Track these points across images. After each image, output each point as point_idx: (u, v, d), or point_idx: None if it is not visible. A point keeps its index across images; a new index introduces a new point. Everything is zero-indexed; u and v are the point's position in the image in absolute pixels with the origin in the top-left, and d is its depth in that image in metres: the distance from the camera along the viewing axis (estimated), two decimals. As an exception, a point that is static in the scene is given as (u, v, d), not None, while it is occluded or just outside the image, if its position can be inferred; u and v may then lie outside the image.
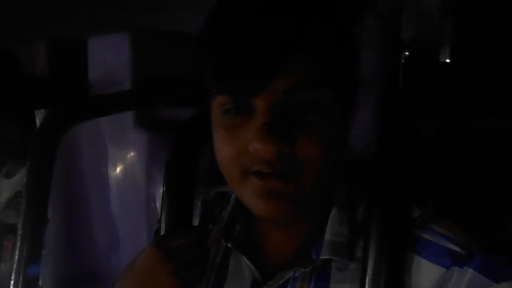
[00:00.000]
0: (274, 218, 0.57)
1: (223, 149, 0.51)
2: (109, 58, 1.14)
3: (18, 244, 0.97)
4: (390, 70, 0.87)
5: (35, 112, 1.31)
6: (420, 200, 0.56)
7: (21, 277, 0.97)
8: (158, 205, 0.95)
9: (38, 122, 1.26)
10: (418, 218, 0.53)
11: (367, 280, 0.51)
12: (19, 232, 0.97)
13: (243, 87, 0.47)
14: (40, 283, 1.26)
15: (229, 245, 0.62)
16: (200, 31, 0.52)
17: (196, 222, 0.71)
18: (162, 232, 0.67)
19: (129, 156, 1.09)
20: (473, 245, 0.49)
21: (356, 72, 0.53)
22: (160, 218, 0.68)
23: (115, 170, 1.13)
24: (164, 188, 0.66)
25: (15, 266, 0.97)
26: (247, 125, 0.49)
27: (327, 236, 0.56)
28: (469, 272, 0.47)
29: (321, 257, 0.55)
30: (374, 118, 0.79)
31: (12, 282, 0.97)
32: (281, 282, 0.57)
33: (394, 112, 0.75)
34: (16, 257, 0.96)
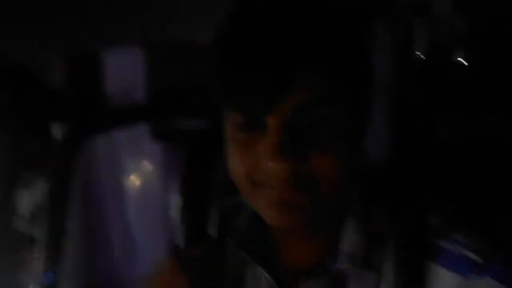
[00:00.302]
0: (289, 229, 0.57)
1: (236, 163, 0.52)
2: (124, 71, 1.16)
3: (38, 254, 0.98)
4: (403, 78, 0.87)
5: (51, 125, 1.34)
6: (437, 208, 0.55)
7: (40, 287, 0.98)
8: (175, 214, 0.95)
9: (54, 134, 1.28)
10: (436, 226, 0.53)
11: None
12: (39, 242, 0.99)
13: (255, 104, 0.48)
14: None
15: (246, 256, 0.63)
16: (211, 48, 0.52)
17: (213, 233, 0.72)
18: (180, 243, 0.67)
19: (145, 167, 1.10)
20: (492, 254, 0.49)
21: (369, 87, 0.53)
22: (177, 230, 0.69)
23: (132, 180, 1.14)
24: (180, 200, 0.67)
25: (34, 276, 0.99)
26: (259, 142, 0.49)
27: (344, 246, 0.56)
28: (487, 281, 0.47)
29: (338, 267, 0.55)
30: (388, 125, 0.79)
31: (31, 292, 0.99)
32: None
33: (408, 118, 0.75)
34: (35, 267, 0.98)
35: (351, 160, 0.51)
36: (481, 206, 0.74)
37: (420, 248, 0.52)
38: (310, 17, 0.48)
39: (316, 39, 0.47)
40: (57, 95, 1.58)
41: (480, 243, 0.51)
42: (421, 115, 0.79)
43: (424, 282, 0.50)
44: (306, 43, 0.47)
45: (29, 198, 1.42)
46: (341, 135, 0.49)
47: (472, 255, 0.49)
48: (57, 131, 1.26)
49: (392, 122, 0.74)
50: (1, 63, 1.71)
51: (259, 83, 0.46)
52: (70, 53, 1.51)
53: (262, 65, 0.46)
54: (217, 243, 0.68)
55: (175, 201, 0.93)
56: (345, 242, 0.55)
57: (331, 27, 0.49)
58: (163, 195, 1.04)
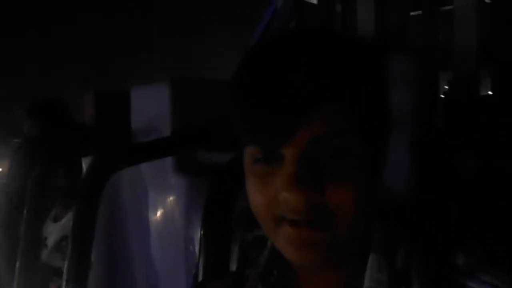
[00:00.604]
0: (304, 266, 0.57)
1: (255, 197, 0.52)
2: (150, 107, 1.20)
3: (64, 285, 1.00)
4: (425, 110, 0.86)
5: (82, 159, 1.38)
6: (465, 246, 0.54)
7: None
8: (197, 248, 0.96)
9: (84, 168, 1.32)
10: (463, 265, 0.51)
11: None
12: (64, 275, 1.00)
13: (271, 137, 0.48)
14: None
15: None
16: (230, 82, 0.54)
17: (233, 266, 0.72)
18: (200, 278, 0.68)
19: (168, 200, 1.12)
20: None
21: (385, 120, 0.53)
22: (198, 263, 0.70)
23: (155, 213, 1.16)
24: (202, 233, 0.68)
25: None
26: (277, 174, 0.49)
27: (367, 283, 0.54)
28: None
29: None
30: (411, 159, 0.78)
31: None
32: None
33: (432, 152, 0.75)
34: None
35: (368, 192, 0.50)
36: (509, 246, 0.72)
37: (446, 287, 0.50)
38: (326, 53, 0.49)
39: (332, 74, 0.47)
40: (87, 129, 1.64)
41: (508, 284, 0.48)
42: (446, 151, 0.78)
43: None
44: (322, 78, 0.47)
45: (57, 231, 1.45)
46: (358, 167, 0.48)
47: None
48: (85, 164, 1.30)
49: (417, 157, 0.73)
50: (34, 98, 1.80)
51: (275, 116, 0.47)
52: (98, 89, 1.58)
53: (278, 99, 0.47)
54: (237, 277, 0.68)
55: (197, 234, 0.94)
56: (367, 279, 0.54)
57: (348, 63, 0.49)
58: (186, 229, 1.05)
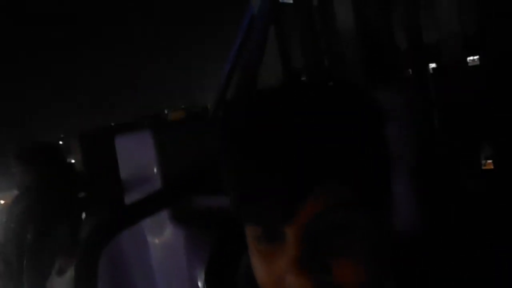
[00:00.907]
0: None
1: (261, 273, 0.50)
2: (136, 155, 1.17)
3: None
4: (427, 157, 0.83)
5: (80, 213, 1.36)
6: None
7: None
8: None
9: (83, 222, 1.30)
10: None
11: None
12: None
13: (271, 218, 0.46)
14: None
15: None
16: (220, 159, 0.51)
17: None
18: None
19: (169, 254, 1.10)
20: None
21: (388, 186, 0.51)
22: None
23: (158, 267, 1.14)
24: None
25: None
26: (280, 253, 0.47)
27: None
28: None
29: None
30: (410, 196, 0.75)
31: None
32: None
33: (436, 175, 0.72)
34: None
35: (377, 260, 0.48)
36: None
37: None
38: (320, 125, 0.47)
39: (330, 151, 0.45)
40: (77, 172, 1.61)
41: None
42: (450, 193, 0.76)
43: None
44: (321, 155, 0.45)
45: (62, 285, 1.44)
46: (363, 238, 0.47)
47: None
48: (85, 220, 1.27)
49: (419, 189, 0.71)
50: (30, 144, 1.72)
51: (273, 195, 0.45)
52: (82, 132, 1.54)
53: (276, 179, 0.45)
54: None
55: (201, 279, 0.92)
56: None
57: (346, 137, 0.47)
58: (188, 283, 1.03)
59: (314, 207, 0.45)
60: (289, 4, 1.93)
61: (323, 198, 0.45)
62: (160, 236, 1.10)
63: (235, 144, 0.49)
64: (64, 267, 1.46)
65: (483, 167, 1.24)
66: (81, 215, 1.39)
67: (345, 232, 0.46)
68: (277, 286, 0.49)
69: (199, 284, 1.03)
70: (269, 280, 0.49)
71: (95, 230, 0.96)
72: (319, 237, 0.46)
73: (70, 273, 1.40)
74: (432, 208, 0.61)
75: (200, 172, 1.07)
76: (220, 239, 0.77)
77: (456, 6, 1.53)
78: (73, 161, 1.60)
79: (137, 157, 1.16)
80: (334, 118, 0.47)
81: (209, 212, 1.04)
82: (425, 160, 0.80)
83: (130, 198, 1.16)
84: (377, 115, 0.51)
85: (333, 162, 0.45)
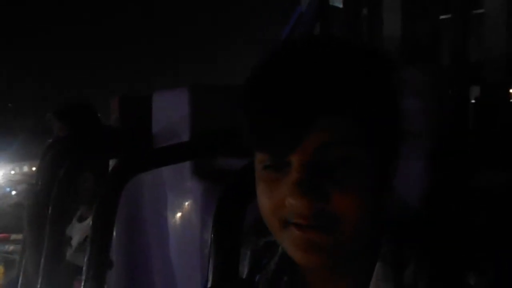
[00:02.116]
0: (317, 270, 0.57)
1: (264, 201, 0.53)
2: (171, 111, 1.22)
3: (83, 284, 1.03)
4: (444, 120, 0.84)
5: (109, 162, 1.42)
6: (478, 266, 0.52)
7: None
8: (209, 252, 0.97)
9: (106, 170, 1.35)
10: (475, 286, 0.50)
11: None
12: (83, 274, 1.03)
13: (278, 146, 0.49)
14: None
15: None
16: (240, 93, 0.54)
17: (244, 271, 0.72)
18: (210, 283, 0.68)
19: (186, 203, 1.14)
20: None
21: (392, 127, 0.52)
22: (208, 268, 0.70)
23: (173, 216, 1.18)
24: (212, 237, 0.68)
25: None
26: (284, 180, 0.50)
27: None
28: None
29: None
30: (423, 171, 0.76)
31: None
32: None
33: (448, 165, 0.73)
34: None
35: (375, 201, 0.50)
36: None
37: None
38: (333, 64, 0.49)
39: (338, 85, 0.48)
40: (112, 132, 1.69)
41: None
42: (460, 163, 0.76)
43: None
44: (329, 88, 0.47)
45: (81, 231, 1.50)
46: (364, 176, 0.49)
47: None
48: (108, 167, 1.33)
49: (431, 168, 0.72)
50: (66, 102, 1.87)
51: (283, 125, 0.48)
52: (123, 94, 1.62)
53: (286, 109, 0.48)
54: (247, 282, 0.68)
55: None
56: (372, 287, 0.53)
57: (354, 74, 0.49)
58: (201, 232, 1.06)
59: (320, 138, 0.48)
60: (339, 8, 1.97)
61: (328, 132, 0.48)
62: (180, 189, 1.13)
63: (253, 78, 0.52)
64: (85, 214, 1.52)
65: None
66: (107, 166, 1.45)
67: (346, 167, 0.48)
68: (277, 213, 0.51)
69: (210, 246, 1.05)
70: (270, 206, 0.52)
71: (118, 166, 1.00)
72: (322, 168, 0.48)
73: (88, 221, 1.45)
74: (437, 190, 0.62)
75: (228, 134, 1.10)
76: (230, 185, 0.79)
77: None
78: (111, 121, 1.69)
79: (171, 113, 1.21)
80: (343, 55, 0.50)
81: (230, 172, 1.06)
82: (441, 142, 0.80)
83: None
84: (386, 60, 0.53)
85: (341, 96, 0.48)
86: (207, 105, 1.17)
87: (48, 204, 1.36)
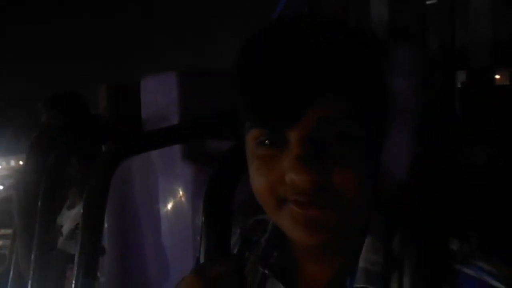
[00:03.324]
0: (312, 247, 0.57)
1: (258, 180, 0.52)
2: (159, 96, 1.22)
3: (75, 272, 1.02)
4: (429, 98, 0.85)
5: (94, 148, 1.42)
6: (461, 233, 0.52)
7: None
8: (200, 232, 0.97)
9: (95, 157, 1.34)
10: (459, 252, 0.51)
11: None
12: (76, 261, 1.03)
13: (277, 119, 0.48)
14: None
15: (266, 271, 0.62)
16: (233, 64, 0.53)
17: (235, 248, 0.72)
18: (202, 260, 0.68)
19: (177, 188, 1.14)
20: None
21: (391, 104, 0.53)
22: (200, 245, 0.70)
23: (165, 201, 1.18)
24: (203, 216, 0.69)
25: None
26: (282, 157, 0.49)
27: (362, 264, 0.54)
28: None
29: (355, 285, 0.53)
30: (413, 147, 0.77)
31: (69, 308, 1.02)
32: None
33: (433, 140, 0.74)
34: (73, 284, 1.02)
35: (372, 176, 0.51)
36: (507, 234, 0.71)
37: (439, 273, 0.49)
38: (330, 36, 0.49)
39: (338, 58, 0.48)
40: (100, 120, 1.68)
41: (504, 271, 0.48)
42: (447, 139, 0.78)
43: None
44: (329, 61, 0.47)
45: (71, 219, 1.49)
46: (362, 151, 0.49)
47: (497, 284, 0.46)
48: (97, 153, 1.32)
49: (418, 143, 0.73)
50: (54, 90, 1.86)
51: (281, 97, 0.47)
52: (111, 82, 1.62)
53: (286, 81, 0.47)
54: (238, 258, 0.68)
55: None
56: (362, 259, 0.54)
57: (352, 50, 0.49)
58: (193, 216, 1.06)
59: (319, 114, 0.47)
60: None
61: (328, 107, 0.48)
62: (170, 174, 1.14)
63: (250, 49, 0.52)
64: (75, 202, 1.51)
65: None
66: (97, 154, 1.44)
67: (345, 142, 0.49)
68: (274, 191, 0.51)
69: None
70: (267, 185, 0.51)
71: (107, 151, 1.00)
72: (321, 143, 0.48)
73: (78, 208, 1.45)
74: (423, 164, 0.64)
75: (218, 117, 1.10)
76: (220, 164, 0.79)
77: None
78: (100, 109, 1.68)
79: (160, 98, 1.20)
80: (342, 31, 0.50)
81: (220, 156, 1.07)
82: (428, 118, 0.82)
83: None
84: (380, 42, 0.53)
85: (342, 71, 0.48)
86: (196, 89, 1.16)
87: (38, 193, 1.35)
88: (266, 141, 0.51)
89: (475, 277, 0.48)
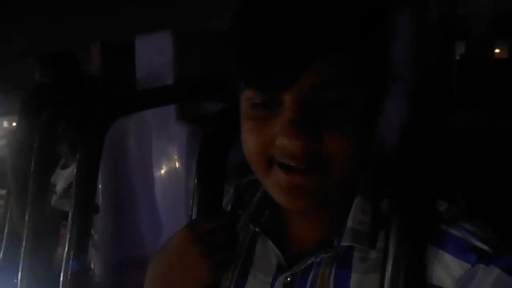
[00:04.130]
0: (296, 211, 0.58)
1: (249, 140, 0.52)
2: (154, 55, 1.20)
3: (69, 229, 1.04)
4: (423, 66, 0.85)
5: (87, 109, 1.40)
6: (448, 195, 0.53)
7: (71, 262, 1.03)
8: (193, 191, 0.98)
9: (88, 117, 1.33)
10: (445, 213, 0.52)
11: (387, 271, 0.50)
12: (69, 219, 1.04)
13: (271, 81, 0.48)
14: (92, 266, 1.34)
15: (257, 230, 0.63)
16: (229, 26, 0.52)
17: (228, 207, 0.73)
18: (194, 216, 0.69)
19: (171, 149, 1.14)
20: (502, 245, 0.47)
21: (385, 71, 0.52)
22: (192, 202, 0.71)
23: (159, 162, 1.18)
24: (196, 177, 0.69)
25: (66, 250, 1.04)
26: (275, 119, 0.49)
27: (350, 224, 0.55)
28: (496, 271, 0.45)
29: (342, 244, 0.55)
30: (402, 113, 0.78)
31: (63, 265, 1.04)
32: (303, 267, 0.57)
33: (422, 105, 0.74)
34: (67, 242, 1.03)
35: (363, 142, 0.51)
36: (491, 196, 0.72)
37: (425, 232, 0.51)
38: (330, 1, 0.48)
39: (335, 22, 0.47)
40: (94, 80, 1.66)
41: (489, 233, 0.49)
42: (438, 104, 0.78)
43: (428, 266, 0.49)
44: (326, 26, 0.46)
45: (65, 178, 1.49)
46: (356, 117, 0.49)
47: (480, 244, 0.47)
48: (89, 112, 1.31)
49: (409, 109, 0.74)
50: (46, 50, 1.83)
51: (276, 59, 0.47)
52: (105, 41, 1.58)
53: (279, 43, 0.46)
54: (229, 216, 0.69)
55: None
56: (351, 219, 0.55)
57: (351, 12, 0.48)
58: (187, 175, 1.07)
59: (314, 78, 0.47)
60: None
61: (324, 71, 0.47)
62: (164, 134, 1.13)
63: (246, 9, 0.50)
64: (69, 161, 1.51)
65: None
66: (90, 115, 1.43)
67: (339, 108, 0.48)
68: (264, 152, 0.51)
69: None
70: (257, 145, 0.51)
71: (101, 109, 0.99)
72: (315, 107, 0.48)
73: (72, 167, 1.45)
74: (414, 129, 0.63)
75: (213, 78, 1.09)
76: (213, 128, 0.78)
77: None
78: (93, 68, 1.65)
79: (155, 57, 1.18)
80: None
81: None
82: (423, 86, 0.81)
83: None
84: (380, 6, 0.52)
85: (339, 36, 0.47)
86: (192, 50, 1.14)
87: (31, 152, 1.35)
88: (260, 102, 0.50)
89: (460, 237, 0.49)
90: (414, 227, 0.51)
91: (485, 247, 0.47)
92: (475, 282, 0.46)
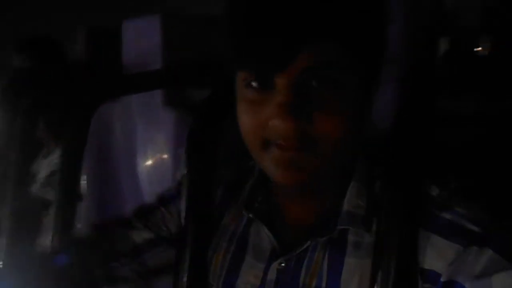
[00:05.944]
0: (293, 189, 0.58)
1: (245, 121, 0.53)
2: (141, 40, 1.17)
3: (53, 218, 1.01)
4: (415, 49, 0.85)
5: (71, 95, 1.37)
6: (441, 179, 0.54)
7: (55, 251, 1.01)
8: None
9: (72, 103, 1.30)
10: (437, 197, 0.52)
11: (379, 255, 0.51)
12: (53, 207, 1.01)
13: (264, 63, 0.48)
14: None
15: (250, 215, 0.63)
16: (224, 8, 0.52)
17: (221, 192, 0.72)
18: (187, 211, 0.68)
19: (157, 136, 1.12)
20: (494, 227, 0.48)
21: (378, 53, 0.53)
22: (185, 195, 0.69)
23: (145, 150, 1.16)
24: (186, 158, 0.67)
25: (49, 240, 1.01)
26: (268, 101, 0.50)
27: (345, 207, 0.56)
28: (488, 253, 0.46)
29: (338, 227, 0.55)
30: (396, 96, 0.78)
31: (47, 254, 1.01)
32: (298, 252, 0.57)
33: (415, 89, 0.74)
34: (52, 230, 1.01)
35: (356, 123, 0.51)
36: (482, 178, 0.73)
37: (417, 216, 0.51)
38: None
39: (328, 6, 0.47)
40: (79, 66, 1.62)
41: (480, 215, 0.50)
42: (431, 88, 0.78)
43: (421, 250, 0.50)
44: (319, 9, 0.47)
45: (47, 166, 1.46)
46: (348, 99, 0.50)
47: (472, 226, 0.48)
48: (73, 97, 1.28)
49: (402, 92, 0.74)
50: (27, 34, 1.78)
51: (269, 42, 0.47)
52: (91, 25, 1.55)
53: (274, 26, 0.47)
54: (222, 202, 0.69)
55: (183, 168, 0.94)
56: (347, 203, 0.56)
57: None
58: (174, 163, 1.05)
59: (306, 60, 0.47)
60: None
61: (316, 54, 0.47)
62: (150, 121, 1.11)
63: None
64: (52, 150, 1.48)
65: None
66: (73, 101, 1.40)
67: (331, 90, 0.49)
68: (259, 133, 0.52)
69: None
70: (253, 126, 0.52)
71: (86, 93, 0.96)
72: (307, 89, 0.49)
73: (54, 155, 1.42)
74: (407, 113, 0.64)
75: (201, 64, 1.06)
76: (200, 115, 0.77)
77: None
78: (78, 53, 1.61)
79: (143, 41, 1.16)
80: None
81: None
82: (416, 69, 0.81)
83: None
84: None
85: (329, 20, 0.47)
86: (180, 34, 1.12)
87: (11, 140, 1.31)
88: (254, 84, 0.51)
89: (452, 220, 0.50)
90: (406, 211, 0.51)
91: (477, 229, 0.48)
92: (468, 263, 0.46)
